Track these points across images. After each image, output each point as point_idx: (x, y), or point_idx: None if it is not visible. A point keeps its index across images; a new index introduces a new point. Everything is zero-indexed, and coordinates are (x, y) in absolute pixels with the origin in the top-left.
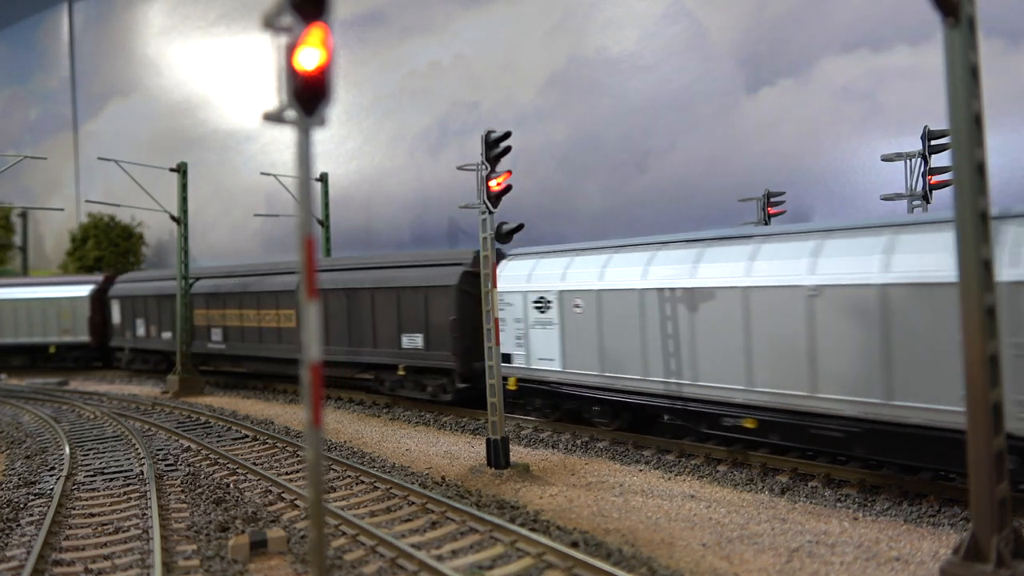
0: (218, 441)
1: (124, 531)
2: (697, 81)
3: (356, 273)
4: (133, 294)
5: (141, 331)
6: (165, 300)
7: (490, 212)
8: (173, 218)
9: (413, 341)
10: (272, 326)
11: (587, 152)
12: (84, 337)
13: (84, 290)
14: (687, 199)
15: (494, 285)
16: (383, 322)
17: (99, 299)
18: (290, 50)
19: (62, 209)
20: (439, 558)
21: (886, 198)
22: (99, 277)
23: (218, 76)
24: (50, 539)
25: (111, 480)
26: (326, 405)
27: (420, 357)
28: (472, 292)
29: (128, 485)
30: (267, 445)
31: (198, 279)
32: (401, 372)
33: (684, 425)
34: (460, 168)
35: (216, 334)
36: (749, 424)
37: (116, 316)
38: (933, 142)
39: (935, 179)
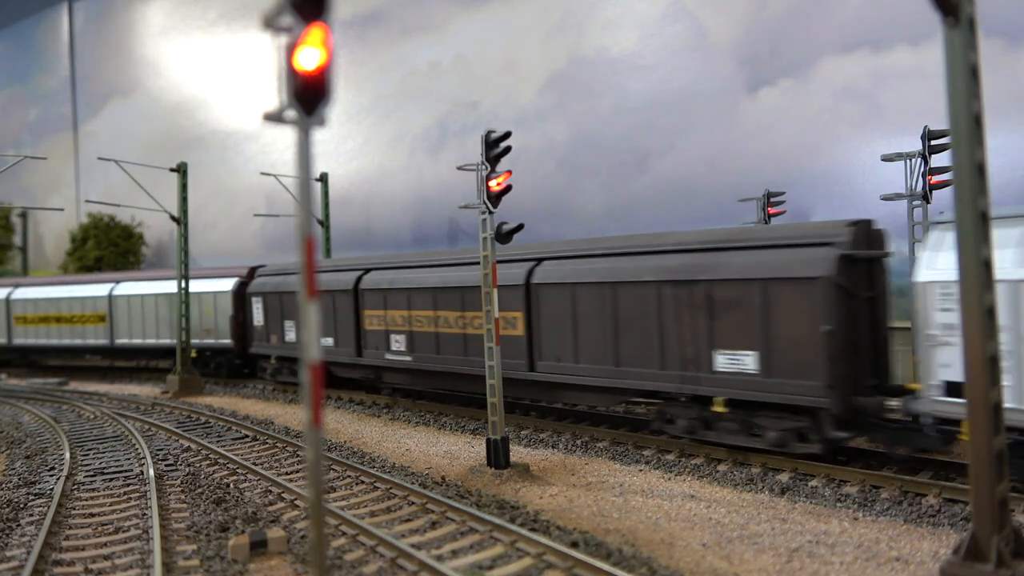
0: (218, 441)
1: (124, 531)
2: (697, 81)
3: (629, 260)
4: (281, 289)
5: (292, 335)
6: (332, 298)
7: (490, 212)
8: (173, 218)
9: (737, 362)
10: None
11: (587, 152)
12: (227, 340)
13: (227, 284)
14: (687, 199)
15: (494, 285)
16: (678, 331)
17: (240, 295)
18: (290, 50)
19: (62, 209)
20: (439, 558)
21: (886, 198)
22: (243, 268)
23: (218, 76)
24: (50, 539)
25: (111, 480)
26: (326, 405)
27: (751, 386)
28: (855, 289)
29: (128, 485)
30: (267, 445)
31: (368, 270)
32: (720, 408)
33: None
34: (460, 168)
35: (398, 342)
36: None
37: (258, 316)
38: (933, 142)
39: (935, 179)
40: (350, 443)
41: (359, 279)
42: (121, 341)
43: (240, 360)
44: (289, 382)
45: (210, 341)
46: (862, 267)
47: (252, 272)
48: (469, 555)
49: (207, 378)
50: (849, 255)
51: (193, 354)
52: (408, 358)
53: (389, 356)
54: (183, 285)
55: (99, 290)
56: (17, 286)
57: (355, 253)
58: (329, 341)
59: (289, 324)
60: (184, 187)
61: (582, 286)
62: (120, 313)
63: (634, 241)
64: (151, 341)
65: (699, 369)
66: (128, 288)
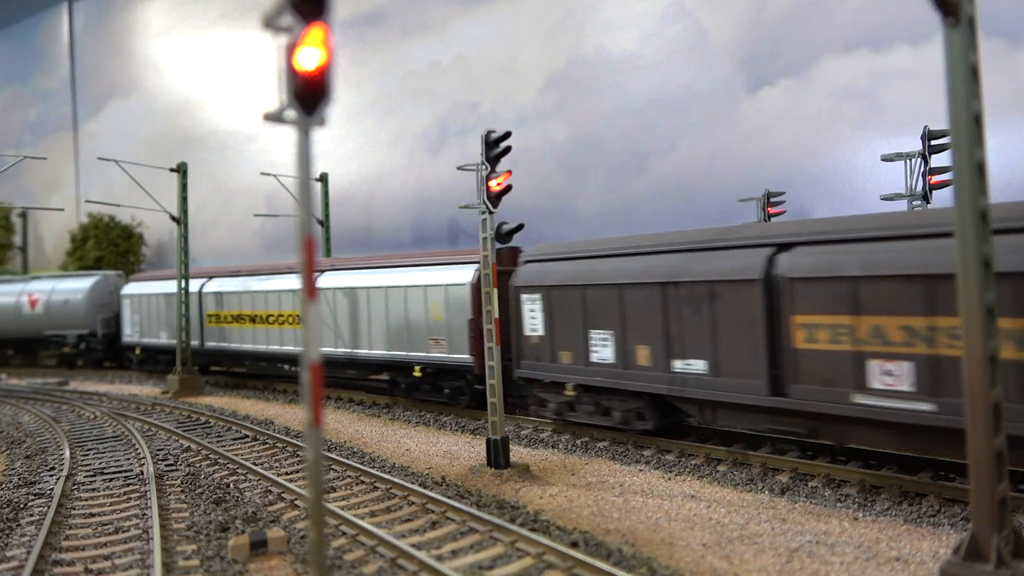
0: (218, 441)
1: (124, 531)
2: (697, 81)
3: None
4: (584, 281)
5: (606, 353)
6: (709, 292)
7: (490, 212)
8: (173, 218)
9: None
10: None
11: (587, 152)
12: (463, 355)
13: (463, 273)
14: (687, 199)
15: (494, 285)
16: None
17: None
18: (290, 50)
19: (62, 209)
20: (439, 558)
21: (886, 198)
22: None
23: (218, 76)
24: (50, 539)
25: (111, 480)
26: (326, 405)
27: None
28: None
29: (128, 485)
30: (267, 445)
31: (793, 244)
32: None
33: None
34: (460, 168)
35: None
36: None
37: (535, 322)
38: (933, 142)
39: (935, 179)
40: (350, 443)
41: (774, 260)
42: (361, 351)
43: (482, 384)
44: (596, 425)
45: (438, 355)
46: None
47: (511, 256)
48: (469, 555)
49: (439, 408)
50: None
51: (416, 372)
52: (925, 406)
53: (865, 399)
54: (183, 285)
55: (333, 280)
56: (211, 276)
57: (355, 253)
58: (699, 365)
59: (600, 336)
60: (184, 187)
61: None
62: (359, 310)
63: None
64: (391, 352)
65: None
66: (355, 279)
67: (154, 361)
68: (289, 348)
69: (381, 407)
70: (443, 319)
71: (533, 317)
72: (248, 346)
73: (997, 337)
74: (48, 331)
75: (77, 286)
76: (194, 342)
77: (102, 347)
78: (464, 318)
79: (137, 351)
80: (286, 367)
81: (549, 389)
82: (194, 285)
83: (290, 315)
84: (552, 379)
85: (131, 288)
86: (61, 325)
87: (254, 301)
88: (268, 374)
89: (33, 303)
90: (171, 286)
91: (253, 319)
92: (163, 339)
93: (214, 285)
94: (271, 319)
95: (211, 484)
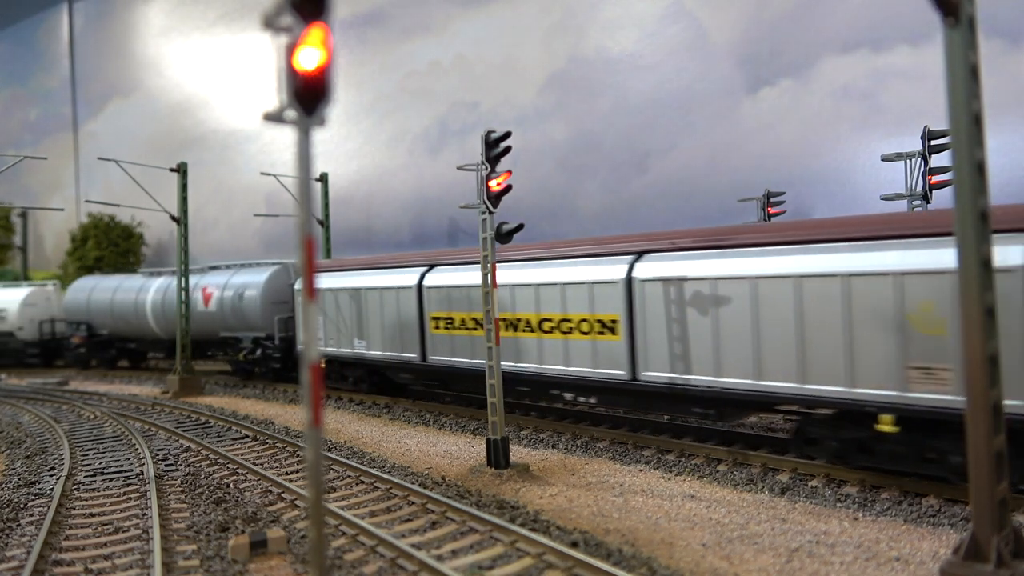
0: (218, 441)
1: (124, 531)
2: (697, 81)
3: None
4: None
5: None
6: None
7: (490, 212)
8: (173, 218)
9: None
10: None
11: (587, 152)
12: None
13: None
14: (687, 199)
15: (494, 285)
16: None
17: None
18: (290, 50)
19: (62, 209)
20: (439, 558)
21: (886, 198)
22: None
23: (218, 76)
24: (50, 539)
25: (111, 480)
26: (326, 405)
27: None
28: None
29: (128, 485)
30: (267, 445)
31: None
32: None
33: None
34: (460, 168)
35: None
36: None
37: None
38: (933, 142)
39: (935, 179)
40: (350, 443)
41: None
42: (650, 374)
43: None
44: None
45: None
46: None
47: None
48: (469, 555)
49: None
50: None
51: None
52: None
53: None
54: (183, 284)
55: (607, 272)
56: (432, 265)
57: (355, 253)
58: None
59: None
60: (184, 187)
61: None
62: (651, 314)
63: None
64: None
65: None
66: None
67: (339, 377)
68: (579, 369)
69: (381, 407)
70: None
71: None
72: (507, 363)
73: (997, 337)
74: (223, 332)
75: (250, 279)
76: (408, 354)
77: (280, 354)
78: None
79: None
80: (569, 396)
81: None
82: (407, 277)
83: (579, 319)
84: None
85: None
86: (234, 326)
87: (515, 299)
88: (527, 403)
89: (207, 298)
90: (379, 278)
91: (515, 325)
92: (364, 348)
93: (443, 276)
94: (550, 326)
95: (211, 484)
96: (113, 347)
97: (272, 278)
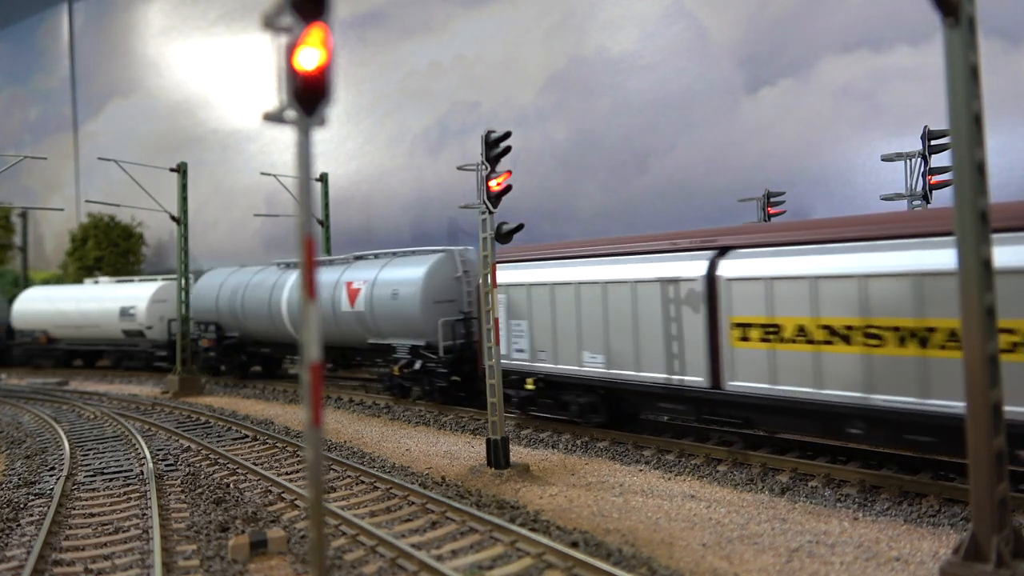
0: (218, 441)
1: (124, 531)
2: (697, 81)
3: None
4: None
5: None
6: None
7: (490, 212)
8: (173, 218)
9: None
10: None
11: (587, 152)
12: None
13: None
14: (687, 199)
15: (494, 285)
16: None
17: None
18: (290, 50)
19: (62, 209)
20: (439, 558)
21: (886, 198)
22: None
23: (218, 76)
24: (50, 539)
25: (111, 480)
26: (326, 405)
27: None
28: None
29: (128, 485)
30: (267, 445)
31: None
32: None
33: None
34: (460, 168)
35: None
36: None
37: None
38: (933, 142)
39: (935, 179)
40: (350, 443)
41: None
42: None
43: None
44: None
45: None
46: None
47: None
48: (469, 555)
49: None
50: None
51: None
52: None
53: None
54: (183, 284)
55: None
56: (725, 250)
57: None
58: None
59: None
60: (184, 187)
61: None
62: None
63: None
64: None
65: None
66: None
67: (561, 406)
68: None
69: (381, 407)
70: None
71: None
72: (846, 393)
73: (997, 337)
74: (371, 339)
75: (407, 274)
76: (694, 378)
77: (447, 368)
78: None
79: (528, 383)
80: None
81: None
82: (683, 266)
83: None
84: None
85: (501, 274)
86: (385, 331)
87: (881, 298)
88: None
89: (352, 296)
90: (625, 268)
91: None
92: (602, 365)
93: (757, 265)
94: (926, 338)
95: (211, 484)
96: (244, 352)
97: (434, 271)
